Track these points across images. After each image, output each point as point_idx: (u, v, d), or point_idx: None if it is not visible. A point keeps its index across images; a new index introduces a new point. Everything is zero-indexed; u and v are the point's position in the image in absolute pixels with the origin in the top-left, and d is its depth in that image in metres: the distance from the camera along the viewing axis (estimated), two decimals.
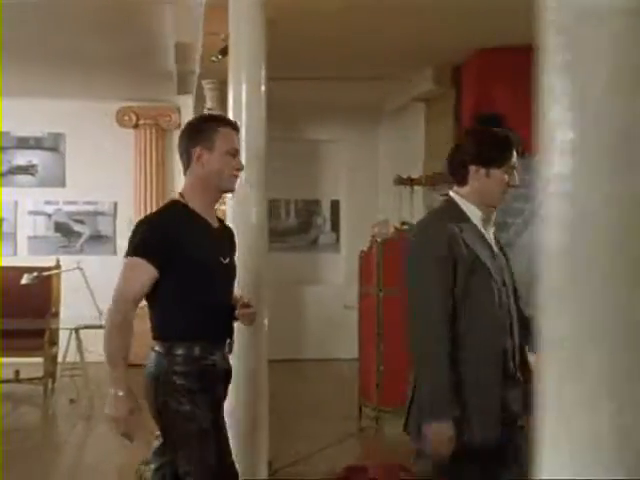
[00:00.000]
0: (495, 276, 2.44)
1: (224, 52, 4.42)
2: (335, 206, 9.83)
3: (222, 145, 2.59)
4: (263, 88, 3.30)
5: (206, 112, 7.15)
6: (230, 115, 3.23)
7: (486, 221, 2.54)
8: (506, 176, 2.51)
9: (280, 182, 9.85)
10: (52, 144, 8.96)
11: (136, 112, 8.87)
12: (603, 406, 1.02)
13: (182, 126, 2.88)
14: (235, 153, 2.65)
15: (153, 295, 2.57)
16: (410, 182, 7.57)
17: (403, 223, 5.89)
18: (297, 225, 9.88)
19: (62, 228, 8.91)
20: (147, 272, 2.51)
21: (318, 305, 9.41)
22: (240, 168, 2.69)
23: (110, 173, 8.75)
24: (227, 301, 2.72)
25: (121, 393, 2.46)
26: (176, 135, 6.86)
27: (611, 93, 1.05)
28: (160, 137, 9.00)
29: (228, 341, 2.67)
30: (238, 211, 3.63)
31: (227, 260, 2.74)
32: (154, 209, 4.76)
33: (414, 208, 7.88)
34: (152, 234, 2.57)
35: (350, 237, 9.17)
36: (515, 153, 2.55)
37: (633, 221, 1.06)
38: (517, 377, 2.45)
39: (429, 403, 2.35)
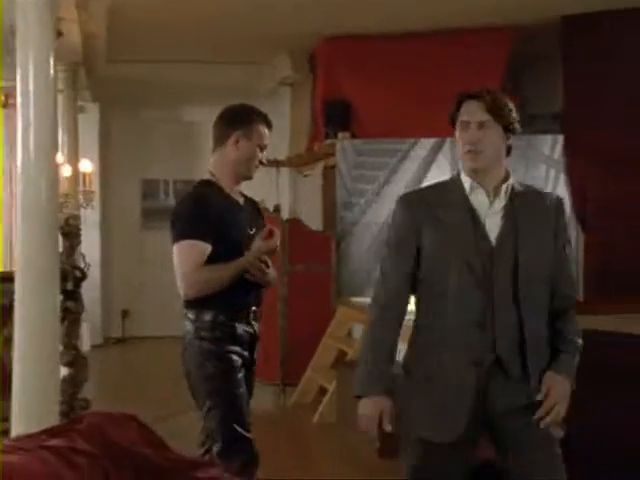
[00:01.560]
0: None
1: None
2: None
3: (258, 138, 2.85)
4: (52, 73, 3.34)
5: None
6: (18, 102, 3.30)
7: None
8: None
9: (158, 163, 10.04)
10: None
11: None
12: None
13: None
14: (264, 148, 2.91)
15: None
16: (276, 164, 7.85)
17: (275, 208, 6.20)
18: None
19: None
20: (205, 249, 2.73)
21: None
22: (264, 163, 2.95)
23: None
24: None
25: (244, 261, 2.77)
26: None
27: None
28: None
29: (254, 309, 2.87)
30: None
31: (253, 231, 2.91)
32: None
33: (279, 189, 8.20)
34: (198, 214, 2.76)
35: None
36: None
37: None
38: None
39: (355, 380, 2.33)
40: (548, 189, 6.16)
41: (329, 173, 6.94)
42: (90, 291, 9.18)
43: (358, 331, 5.81)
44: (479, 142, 2.21)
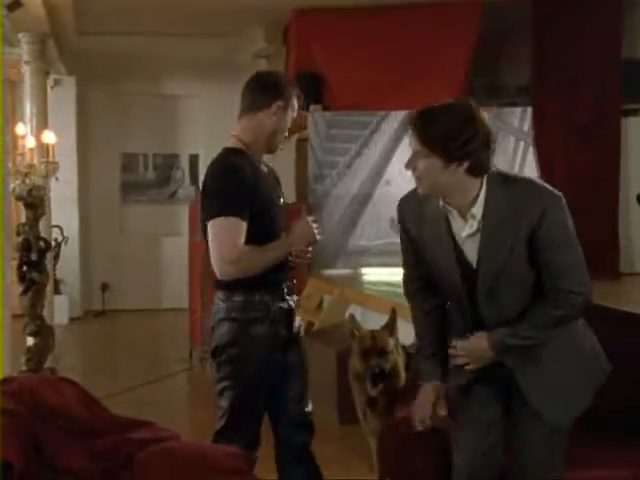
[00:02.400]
0: None
1: (13, 7, 4.53)
2: (194, 160, 10.05)
3: (292, 110, 2.68)
4: None
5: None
6: None
7: None
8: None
9: (138, 136, 10.03)
10: None
11: None
12: None
13: None
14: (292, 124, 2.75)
15: None
16: None
17: None
18: (156, 179, 10.05)
19: None
20: (243, 227, 2.51)
21: (178, 256, 9.65)
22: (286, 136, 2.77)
23: None
24: None
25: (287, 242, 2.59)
26: None
27: None
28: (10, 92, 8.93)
29: (287, 284, 2.68)
30: None
31: (280, 200, 2.76)
32: None
33: None
34: (232, 187, 2.53)
35: None
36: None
37: None
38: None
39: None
40: (517, 160, 6.22)
41: (302, 146, 6.96)
42: (69, 264, 9.26)
43: (327, 302, 5.86)
44: (415, 170, 2.14)
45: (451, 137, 2.04)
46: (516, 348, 2.17)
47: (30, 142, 4.63)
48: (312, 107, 6.51)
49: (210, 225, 2.53)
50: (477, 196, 2.12)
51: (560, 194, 2.14)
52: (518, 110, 6.17)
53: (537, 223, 2.07)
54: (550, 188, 2.15)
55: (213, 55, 8.92)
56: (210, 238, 2.53)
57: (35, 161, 4.67)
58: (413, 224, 2.24)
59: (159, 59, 9.15)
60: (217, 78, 9.55)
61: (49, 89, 8.42)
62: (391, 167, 6.37)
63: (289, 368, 2.68)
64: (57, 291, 8.69)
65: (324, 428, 4.60)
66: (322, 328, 5.35)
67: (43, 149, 4.73)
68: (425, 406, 2.26)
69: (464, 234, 2.14)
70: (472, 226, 2.13)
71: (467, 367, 2.20)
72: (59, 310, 8.34)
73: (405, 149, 6.32)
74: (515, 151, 6.18)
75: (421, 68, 6.27)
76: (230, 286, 2.61)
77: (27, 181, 4.53)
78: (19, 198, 4.53)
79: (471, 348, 2.17)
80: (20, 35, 6.36)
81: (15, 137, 4.67)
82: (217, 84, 9.64)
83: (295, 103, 2.68)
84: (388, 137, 6.36)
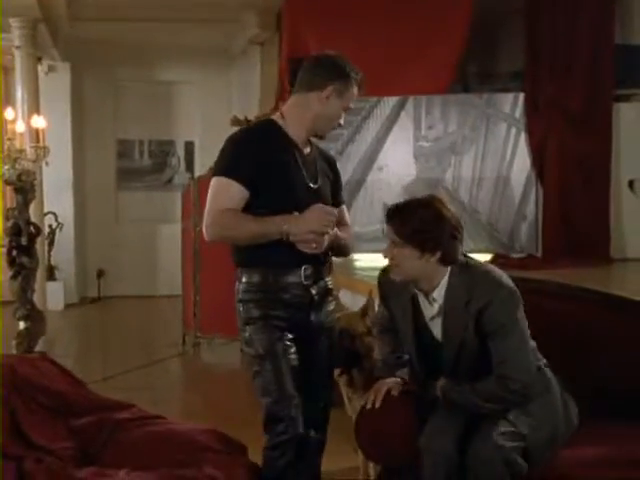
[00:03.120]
0: None
1: None
2: (189, 147, 10.05)
3: (348, 99, 2.53)
4: None
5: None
6: None
7: None
8: None
9: (133, 123, 10.02)
10: None
11: None
12: None
13: None
14: (348, 110, 2.59)
15: None
16: (246, 122, 7.84)
17: None
18: (151, 165, 10.06)
19: None
20: (239, 192, 2.40)
21: (173, 243, 9.66)
22: (341, 124, 2.61)
23: None
24: None
25: (285, 226, 2.40)
26: None
27: None
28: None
29: (304, 267, 2.48)
30: None
31: (317, 185, 2.55)
32: None
33: None
34: (243, 153, 2.44)
35: None
36: None
37: None
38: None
39: None
40: (509, 147, 6.21)
41: None
42: (64, 251, 9.28)
43: None
44: (393, 258, 2.38)
45: (425, 230, 2.33)
46: (457, 404, 2.36)
47: (20, 127, 4.64)
48: None
49: (211, 182, 2.46)
50: (440, 282, 2.39)
51: (514, 288, 2.37)
52: (510, 96, 6.14)
53: (483, 310, 2.32)
54: (505, 281, 2.38)
55: (208, 42, 8.90)
56: (207, 196, 2.46)
57: (25, 146, 4.68)
58: (392, 298, 2.52)
59: (154, 46, 9.13)
60: (212, 65, 9.56)
61: (43, 75, 8.44)
62: (383, 153, 6.36)
63: (311, 359, 2.54)
64: (52, 277, 8.72)
65: None
66: None
67: (33, 134, 4.74)
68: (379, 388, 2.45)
69: (430, 316, 2.43)
70: (434, 308, 2.42)
71: None
72: (54, 296, 8.37)
73: (397, 135, 6.37)
74: (507, 137, 6.17)
75: (413, 54, 6.24)
76: (240, 265, 2.52)
77: (17, 166, 4.54)
78: (9, 183, 4.55)
79: None
80: (11, 20, 6.36)
81: (4, 122, 4.67)
82: (212, 71, 9.65)
83: (353, 91, 2.53)
84: (380, 123, 6.35)
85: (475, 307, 2.33)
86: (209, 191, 2.43)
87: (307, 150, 2.57)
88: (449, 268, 2.39)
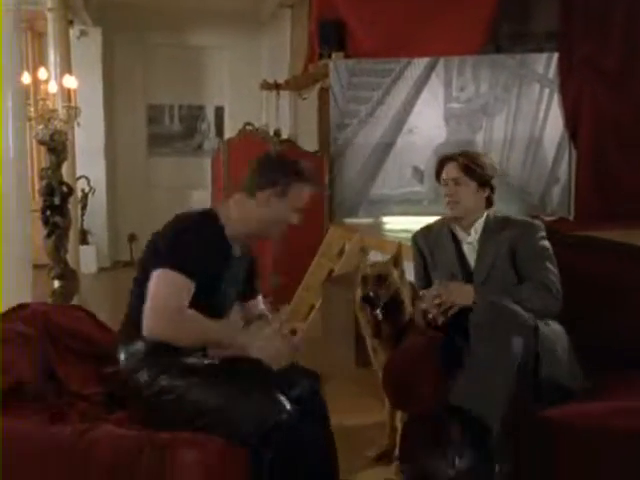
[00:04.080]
0: None
1: None
2: (219, 112, 10.06)
3: (294, 199, 2.39)
4: None
5: None
6: None
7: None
8: None
9: (164, 88, 10.05)
10: None
11: None
12: None
13: None
14: (299, 210, 2.43)
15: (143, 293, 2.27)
16: (276, 87, 7.84)
17: (247, 124, 6.20)
18: (182, 131, 10.10)
19: None
20: (189, 290, 2.24)
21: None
22: (296, 223, 2.44)
23: None
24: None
25: (240, 339, 2.26)
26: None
27: None
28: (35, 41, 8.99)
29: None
30: None
31: (239, 288, 2.52)
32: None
33: (280, 112, 8.21)
34: (196, 250, 2.27)
35: None
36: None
37: None
38: None
39: None
40: (541, 108, 6.12)
41: (324, 95, 6.92)
42: (97, 215, 9.39)
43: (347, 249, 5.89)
44: (455, 195, 2.77)
45: (482, 167, 2.79)
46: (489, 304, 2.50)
47: (52, 87, 4.68)
48: (334, 55, 6.46)
49: (155, 274, 2.24)
50: (478, 219, 2.81)
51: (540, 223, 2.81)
52: (543, 56, 6.03)
53: (518, 238, 2.69)
54: (531, 220, 2.84)
55: (238, 5, 8.88)
56: (150, 288, 2.24)
57: (57, 106, 4.72)
58: (425, 247, 2.86)
59: (184, 10, 9.12)
60: (242, 29, 9.52)
61: (75, 40, 8.47)
62: (413, 116, 6.31)
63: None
64: (85, 241, 8.84)
65: (341, 371, 4.72)
66: (341, 274, 5.39)
67: (65, 94, 4.77)
68: (428, 297, 2.59)
69: (466, 242, 2.79)
70: (472, 236, 2.79)
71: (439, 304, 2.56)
72: (87, 260, 8.49)
73: (427, 98, 6.31)
74: (539, 98, 6.07)
75: (444, 14, 6.16)
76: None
77: (50, 126, 4.59)
78: (42, 143, 4.60)
79: (455, 287, 2.61)
80: None
81: (38, 82, 4.71)
82: (242, 35, 9.61)
83: (300, 191, 2.38)
84: (411, 85, 6.29)
85: (509, 234, 2.70)
86: (159, 283, 2.23)
87: (238, 254, 2.47)
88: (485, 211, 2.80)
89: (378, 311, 2.96)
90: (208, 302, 2.29)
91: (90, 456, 1.88)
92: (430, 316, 2.57)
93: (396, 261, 3.10)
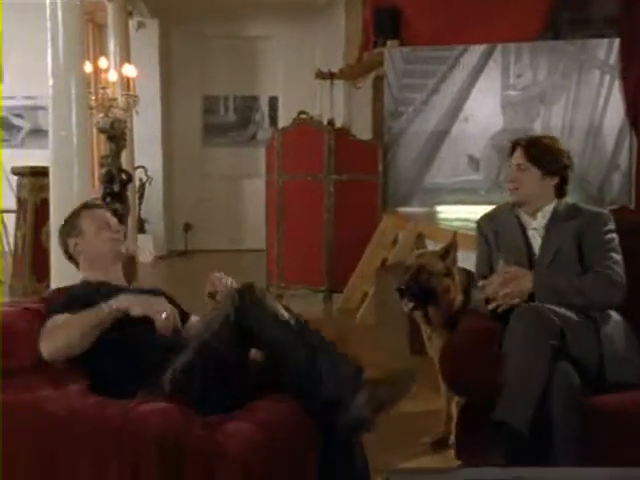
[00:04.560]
0: None
1: None
2: (273, 102, 10.12)
3: (90, 226, 2.60)
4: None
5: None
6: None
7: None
8: None
9: (218, 79, 10.14)
10: None
11: None
12: None
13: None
14: (106, 225, 2.62)
15: None
16: (330, 76, 7.84)
17: (301, 112, 6.22)
18: (236, 121, 10.19)
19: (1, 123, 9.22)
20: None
21: (257, 199, 9.81)
22: (119, 231, 2.64)
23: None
24: None
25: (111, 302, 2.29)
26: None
27: None
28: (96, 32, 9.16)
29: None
30: None
31: None
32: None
33: (334, 102, 8.20)
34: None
35: None
36: None
37: None
38: None
39: None
40: (601, 95, 5.99)
41: (379, 83, 6.89)
42: (153, 204, 9.55)
43: (401, 237, 5.87)
44: (516, 181, 2.72)
45: (550, 154, 2.69)
46: (550, 292, 2.51)
47: (112, 76, 4.77)
48: (389, 43, 6.42)
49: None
50: (546, 206, 2.71)
51: (609, 214, 2.73)
52: (605, 42, 5.91)
53: (586, 226, 2.63)
54: (601, 210, 2.75)
55: None
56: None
57: (117, 95, 4.81)
58: (490, 232, 2.79)
59: (239, 1, 9.18)
60: (296, 18, 9.55)
61: (133, 32, 8.62)
62: (469, 103, 6.25)
63: None
64: (142, 230, 9.00)
65: (396, 358, 4.71)
66: (395, 262, 5.37)
67: (124, 83, 4.87)
68: (494, 282, 2.57)
69: (531, 227, 2.72)
70: (539, 223, 2.71)
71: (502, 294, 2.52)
72: (144, 248, 8.66)
73: (483, 86, 6.23)
74: (600, 85, 5.95)
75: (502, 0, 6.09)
76: None
77: (109, 114, 4.68)
78: (102, 131, 4.70)
79: (514, 273, 2.56)
80: None
81: (98, 72, 4.81)
82: (296, 24, 9.64)
83: (87, 219, 2.60)
84: (467, 72, 6.22)
85: (576, 223, 2.63)
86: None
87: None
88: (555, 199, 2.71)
89: (406, 300, 2.98)
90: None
91: (139, 430, 1.90)
92: (492, 305, 2.54)
93: (447, 251, 3.07)
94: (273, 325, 2.15)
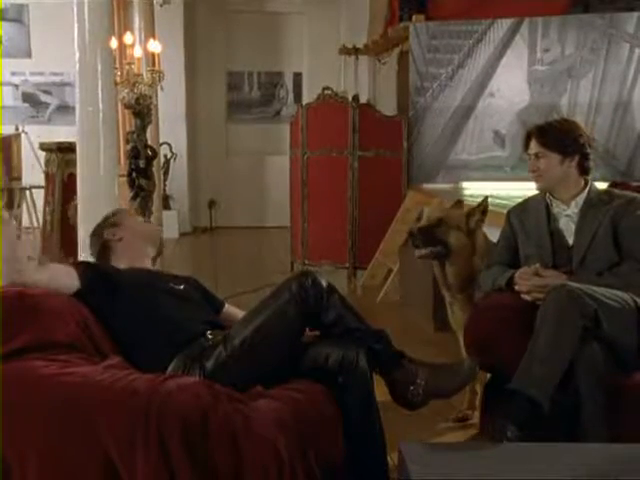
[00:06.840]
0: None
1: None
2: (298, 78, 10.07)
3: (130, 218, 2.83)
4: None
5: None
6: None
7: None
8: None
9: (243, 55, 10.11)
10: (15, 15, 9.17)
11: None
12: None
13: None
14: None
15: None
16: (355, 51, 7.79)
17: (325, 88, 6.18)
18: (260, 97, 10.16)
19: (30, 99, 9.27)
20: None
21: (281, 175, 9.80)
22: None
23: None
24: None
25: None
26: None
27: None
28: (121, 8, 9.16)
29: None
30: None
31: None
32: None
33: (359, 77, 8.16)
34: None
35: None
36: None
37: None
38: None
39: None
40: (631, 70, 5.90)
41: (404, 58, 6.84)
42: (178, 181, 9.59)
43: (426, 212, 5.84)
44: (537, 170, 2.74)
45: (565, 136, 2.70)
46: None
47: (137, 52, 4.78)
48: (415, 17, 6.36)
49: None
50: (579, 193, 2.72)
51: None
52: (634, 15, 5.80)
53: (623, 213, 2.62)
54: (636, 195, 2.73)
55: None
56: None
57: (142, 70, 4.82)
58: (516, 220, 2.82)
59: None
60: None
61: (158, 8, 8.60)
62: (496, 78, 6.18)
63: None
64: (167, 207, 9.05)
65: (419, 335, 4.72)
66: None
67: (149, 58, 4.87)
68: (524, 274, 2.58)
69: (564, 213, 2.72)
70: (571, 210, 2.71)
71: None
72: (169, 225, 8.70)
73: (510, 61, 6.15)
74: (629, 60, 5.85)
75: None
76: None
77: (135, 90, 4.70)
78: (128, 106, 4.72)
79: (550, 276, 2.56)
80: None
81: (123, 47, 4.82)
82: (320, 0, 9.57)
83: (131, 219, 2.77)
84: (494, 46, 6.15)
85: (611, 208, 2.64)
86: None
87: None
88: (589, 183, 2.73)
89: (413, 243, 2.99)
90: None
91: (166, 407, 1.89)
92: (528, 297, 2.55)
93: (473, 211, 3.05)
94: (353, 318, 2.33)
